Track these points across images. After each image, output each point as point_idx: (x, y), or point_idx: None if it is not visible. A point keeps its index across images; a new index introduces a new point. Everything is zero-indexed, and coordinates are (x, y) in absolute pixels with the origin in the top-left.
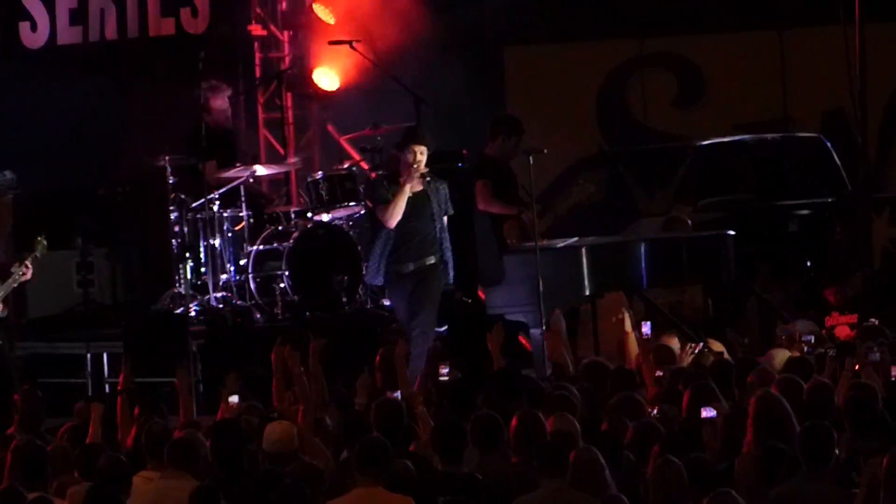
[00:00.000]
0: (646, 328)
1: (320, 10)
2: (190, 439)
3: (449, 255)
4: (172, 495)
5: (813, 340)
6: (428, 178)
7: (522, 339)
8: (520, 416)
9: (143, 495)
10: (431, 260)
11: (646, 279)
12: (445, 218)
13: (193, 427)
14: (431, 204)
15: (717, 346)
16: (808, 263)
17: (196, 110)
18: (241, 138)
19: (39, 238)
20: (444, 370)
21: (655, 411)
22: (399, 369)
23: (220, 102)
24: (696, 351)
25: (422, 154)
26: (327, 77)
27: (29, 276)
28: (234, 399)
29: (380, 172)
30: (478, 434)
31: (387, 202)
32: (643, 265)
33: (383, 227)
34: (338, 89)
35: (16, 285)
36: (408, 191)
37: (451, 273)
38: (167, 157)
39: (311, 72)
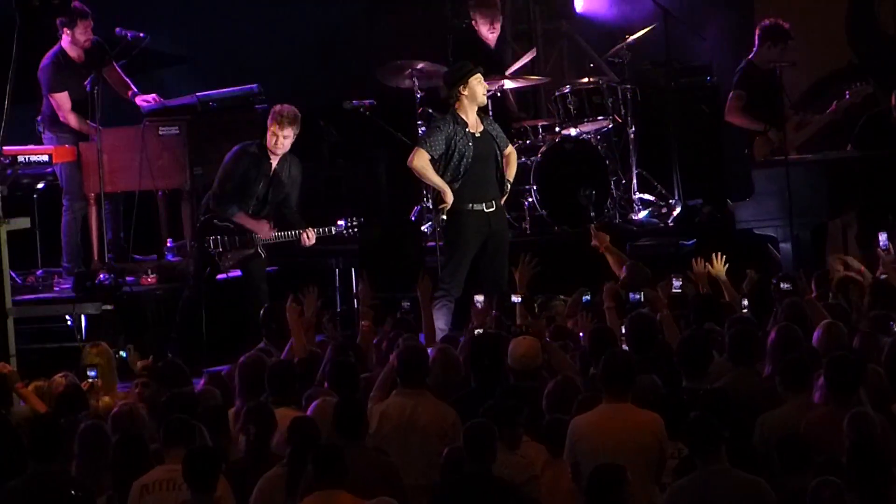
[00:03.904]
0: (882, 238)
1: None
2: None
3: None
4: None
5: None
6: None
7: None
8: (779, 330)
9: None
10: (493, 206)
11: None
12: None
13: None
14: (496, 144)
15: None
16: None
17: (445, 24)
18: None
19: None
20: (677, 283)
21: None
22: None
23: (486, 23)
24: None
25: (482, 85)
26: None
27: (309, 243)
28: (479, 298)
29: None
30: (734, 347)
31: (422, 145)
32: None
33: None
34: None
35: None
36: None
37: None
38: (416, 68)
39: None
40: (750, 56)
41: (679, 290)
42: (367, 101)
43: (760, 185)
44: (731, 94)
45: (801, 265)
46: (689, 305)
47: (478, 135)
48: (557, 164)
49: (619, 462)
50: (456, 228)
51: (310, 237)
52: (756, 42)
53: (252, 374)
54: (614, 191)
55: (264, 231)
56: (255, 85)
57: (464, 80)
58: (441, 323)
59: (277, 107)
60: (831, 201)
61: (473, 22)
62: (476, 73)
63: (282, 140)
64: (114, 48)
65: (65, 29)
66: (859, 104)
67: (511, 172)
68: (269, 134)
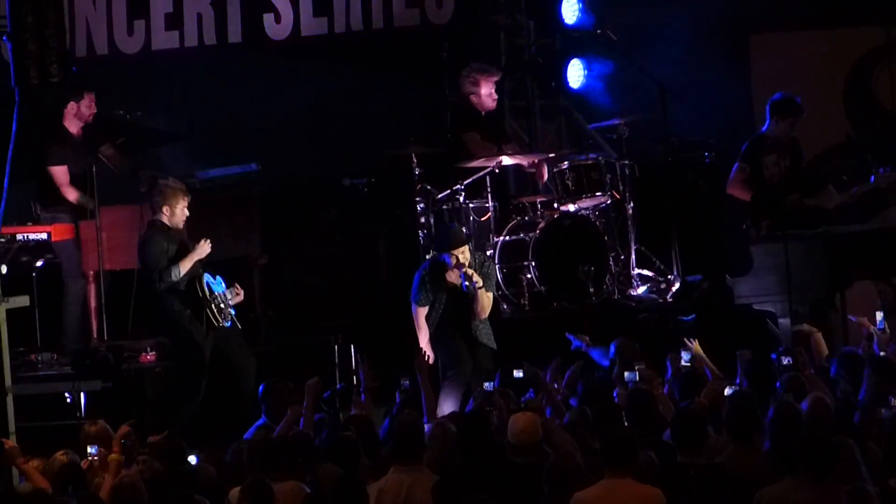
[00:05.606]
0: (879, 318)
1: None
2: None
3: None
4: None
5: None
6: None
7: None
8: (777, 406)
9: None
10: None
11: None
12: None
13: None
14: (472, 294)
15: None
16: None
17: (442, 101)
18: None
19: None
20: (686, 355)
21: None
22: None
23: (488, 88)
24: None
25: (463, 256)
26: (575, 74)
27: (237, 299)
28: (487, 386)
29: (426, 268)
30: (732, 423)
31: (421, 305)
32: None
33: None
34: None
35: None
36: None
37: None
38: (413, 147)
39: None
40: (763, 129)
41: (689, 364)
42: (366, 178)
43: (759, 260)
44: (735, 165)
45: (800, 340)
46: (676, 382)
47: (454, 291)
48: (556, 241)
49: None
50: (435, 329)
51: (239, 293)
52: (767, 116)
53: (262, 450)
54: (613, 267)
55: (204, 247)
56: (253, 164)
57: (442, 251)
58: (451, 403)
59: (171, 181)
60: (830, 276)
61: (474, 88)
62: (450, 250)
63: (186, 213)
64: (111, 127)
65: (71, 102)
66: (884, 189)
67: (479, 307)
68: (179, 209)
